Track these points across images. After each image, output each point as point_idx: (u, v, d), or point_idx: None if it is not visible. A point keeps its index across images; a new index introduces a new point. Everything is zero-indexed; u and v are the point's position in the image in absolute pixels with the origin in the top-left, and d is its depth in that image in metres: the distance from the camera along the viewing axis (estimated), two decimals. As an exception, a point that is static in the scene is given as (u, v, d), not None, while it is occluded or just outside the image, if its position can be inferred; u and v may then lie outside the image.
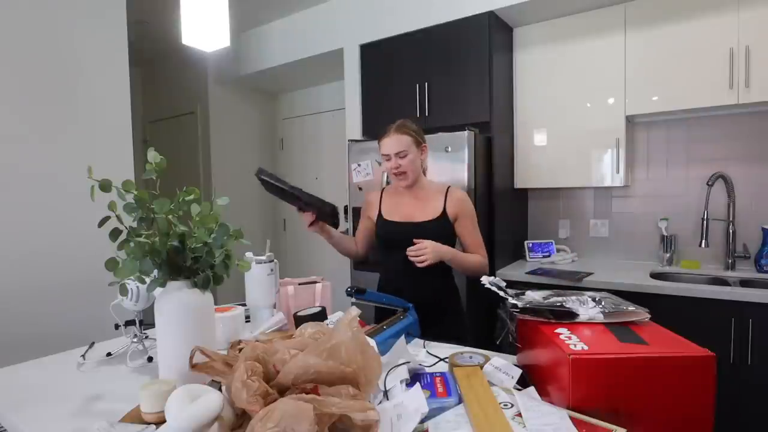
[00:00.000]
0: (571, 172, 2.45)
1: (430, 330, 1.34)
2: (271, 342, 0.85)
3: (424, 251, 1.45)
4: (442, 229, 1.59)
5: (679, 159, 2.42)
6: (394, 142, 1.56)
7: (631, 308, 0.91)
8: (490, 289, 1.08)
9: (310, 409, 0.62)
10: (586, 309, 0.92)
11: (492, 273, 2.40)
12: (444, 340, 1.28)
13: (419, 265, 1.46)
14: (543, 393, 0.85)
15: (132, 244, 0.88)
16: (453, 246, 1.63)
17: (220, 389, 0.78)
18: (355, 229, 2.77)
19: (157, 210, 0.90)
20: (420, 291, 1.51)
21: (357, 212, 2.75)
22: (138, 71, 4.16)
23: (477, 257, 1.62)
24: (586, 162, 2.41)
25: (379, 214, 1.69)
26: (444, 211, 1.60)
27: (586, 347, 0.76)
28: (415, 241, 1.48)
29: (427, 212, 1.61)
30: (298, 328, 0.97)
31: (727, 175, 2.21)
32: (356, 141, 2.78)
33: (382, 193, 1.74)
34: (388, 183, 2.46)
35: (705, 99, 2.10)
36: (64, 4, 2.00)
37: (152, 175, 0.94)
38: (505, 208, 2.55)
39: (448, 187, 1.66)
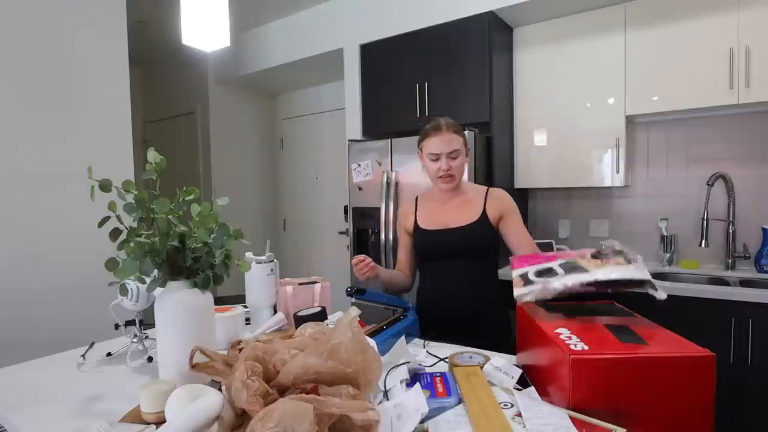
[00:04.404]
0: (571, 172, 2.45)
1: (469, 342, 1.20)
2: (271, 342, 0.85)
3: None
4: (480, 232, 1.46)
5: (679, 159, 2.42)
6: (446, 140, 1.43)
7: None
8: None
9: (310, 409, 0.62)
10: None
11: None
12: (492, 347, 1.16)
13: None
14: (543, 393, 0.85)
15: (132, 244, 0.88)
16: (495, 249, 1.51)
17: (220, 389, 0.78)
18: (356, 231, 2.77)
19: (157, 210, 0.90)
20: (462, 302, 1.43)
21: (357, 212, 2.75)
22: (138, 71, 4.16)
23: None
24: (586, 162, 2.41)
25: (416, 224, 1.57)
26: (484, 213, 1.48)
27: (586, 347, 0.76)
28: None
29: (465, 217, 1.49)
30: (298, 328, 0.97)
31: (727, 175, 2.21)
32: (356, 141, 2.78)
33: (417, 202, 1.62)
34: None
35: (705, 99, 2.10)
36: (65, 4, 2.00)
37: (152, 175, 0.94)
38: (505, 208, 2.55)
39: (488, 188, 1.55)
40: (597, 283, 0.91)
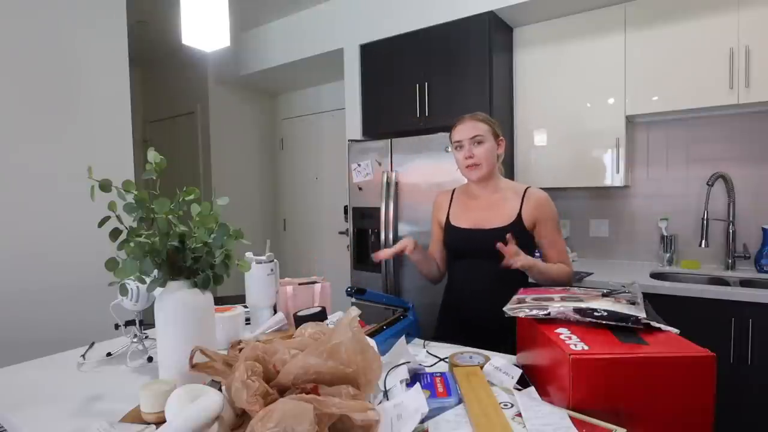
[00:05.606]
0: (571, 172, 2.45)
1: (498, 347, 1.13)
2: (271, 342, 0.85)
3: (516, 258, 1.26)
4: (516, 236, 1.36)
5: (679, 159, 2.42)
6: (469, 126, 1.42)
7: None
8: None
9: (310, 409, 0.62)
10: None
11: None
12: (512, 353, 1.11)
13: (506, 266, 1.27)
14: (543, 393, 0.85)
15: (132, 244, 0.88)
16: (530, 252, 1.42)
17: (220, 389, 0.78)
18: (356, 231, 2.77)
19: (157, 210, 0.90)
20: (491, 305, 1.30)
21: (357, 212, 2.75)
22: (138, 71, 4.16)
23: (562, 267, 1.42)
24: (586, 162, 2.41)
25: (447, 219, 1.53)
26: (519, 216, 1.42)
27: (586, 347, 0.76)
28: (501, 246, 1.26)
29: (500, 217, 1.43)
30: (298, 328, 0.97)
31: (727, 175, 2.21)
32: (356, 141, 2.78)
33: (453, 195, 1.58)
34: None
35: (705, 99, 2.10)
36: (65, 4, 2.00)
37: (152, 175, 0.94)
38: (505, 208, 2.55)
39: (527, 188, 1.47)
40: (589, 313, 0.87)
